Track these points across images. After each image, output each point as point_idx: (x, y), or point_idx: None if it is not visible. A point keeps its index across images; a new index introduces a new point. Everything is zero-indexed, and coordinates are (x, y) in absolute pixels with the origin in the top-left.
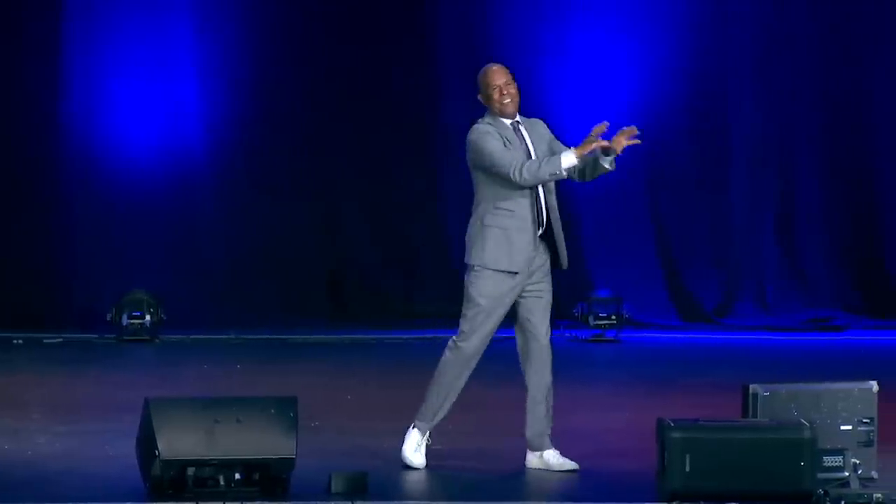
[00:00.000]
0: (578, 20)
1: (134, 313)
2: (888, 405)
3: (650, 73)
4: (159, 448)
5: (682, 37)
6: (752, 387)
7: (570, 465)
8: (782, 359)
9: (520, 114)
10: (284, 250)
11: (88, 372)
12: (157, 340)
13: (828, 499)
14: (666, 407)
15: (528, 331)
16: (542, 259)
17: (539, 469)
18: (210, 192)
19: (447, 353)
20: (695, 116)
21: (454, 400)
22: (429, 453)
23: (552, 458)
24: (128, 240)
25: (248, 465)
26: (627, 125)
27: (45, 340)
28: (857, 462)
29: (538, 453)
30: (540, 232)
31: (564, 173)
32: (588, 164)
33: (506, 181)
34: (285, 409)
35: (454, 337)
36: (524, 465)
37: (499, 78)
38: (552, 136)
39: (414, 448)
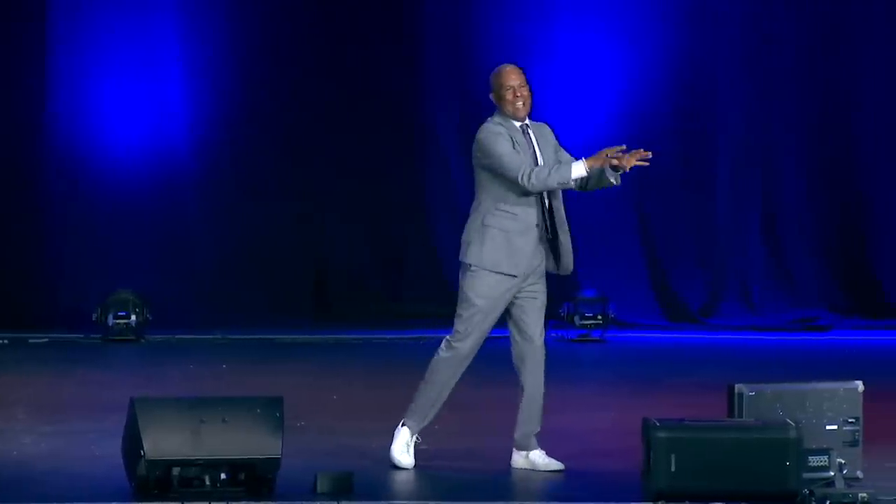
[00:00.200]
0: (564, 21)
1: (119, 313)
2: (873, 405)
3: (636, 73)
4: (145, 448)
5: (668, 37)
6: (737, 386)
7: (555, 465)
8: (768, 358)
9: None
10: (270, 250)
11: (74, 372)
12: (142, 340)
13: (813, 498)
14: (651, 407)
15: (523, 331)
16: (539, 261)
17: (525, 469)
18: (195, 192)
19: (441, 353)
20: (680, 117)
21: (445, 399)
22: (416, 453)
23: (538, 458)
24: (113, 240)
25: (233, 465)
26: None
27: (30, 340)
28: (843, 462)
29: (524, 453)
30: (548, 237)
31: (573, 183)
32: (594, 175)
33: (513, 184)
34: (271, 409)
35: (448, 337)
36: (510, 465)
37: (513, 79)
38: (557, 143)
39: (403, 448)
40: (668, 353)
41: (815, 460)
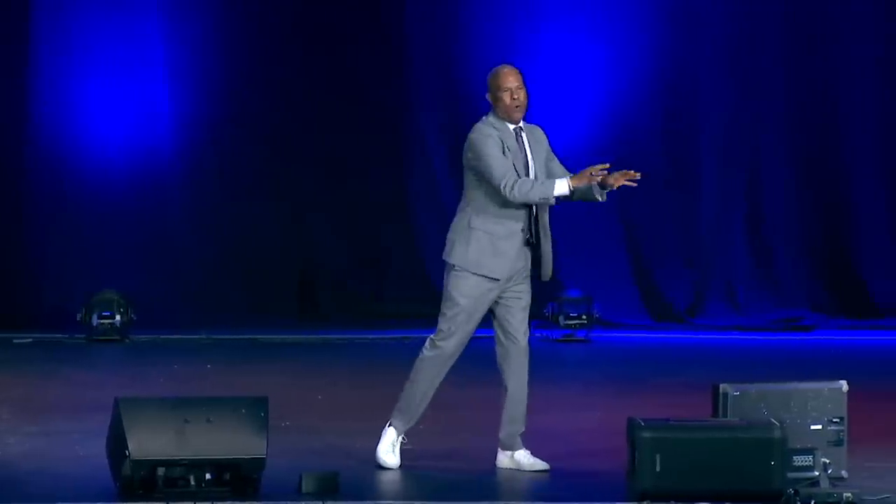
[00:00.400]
0: (549, 21)
1: (104, 313)
2: (858, 405)
3: (619, 74)
4: (129, 448)
5: (652, 38)
6: (722, 386)
7: (540, 465)
8: (753, 358)
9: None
10: (255, 250)
11: (59, 372)
12: (127, 340)
13: (798, 498)
14: (636, 406)
15: (507, 331)
16: (523, 263)
17: (510, 469)
18: (180, 192)
19: (425, 352)
20: (664, 116)
21: (430, 399)
22: (401, 453)
23: (523, 458)
24: (98, 240)
25: (218, 465)
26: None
27: (14, 340)
28: (827, 461)
29: (509, 453)
30: (532, 242)
31: (553, 200)
32: (577, 192)
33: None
34: (256, 409)
35: (433, 336)
36: (495, 464)
37: (511, 81)
38: (549, 147)
39: (388, 448)
40: (653, 353)
41: (799, 460)
